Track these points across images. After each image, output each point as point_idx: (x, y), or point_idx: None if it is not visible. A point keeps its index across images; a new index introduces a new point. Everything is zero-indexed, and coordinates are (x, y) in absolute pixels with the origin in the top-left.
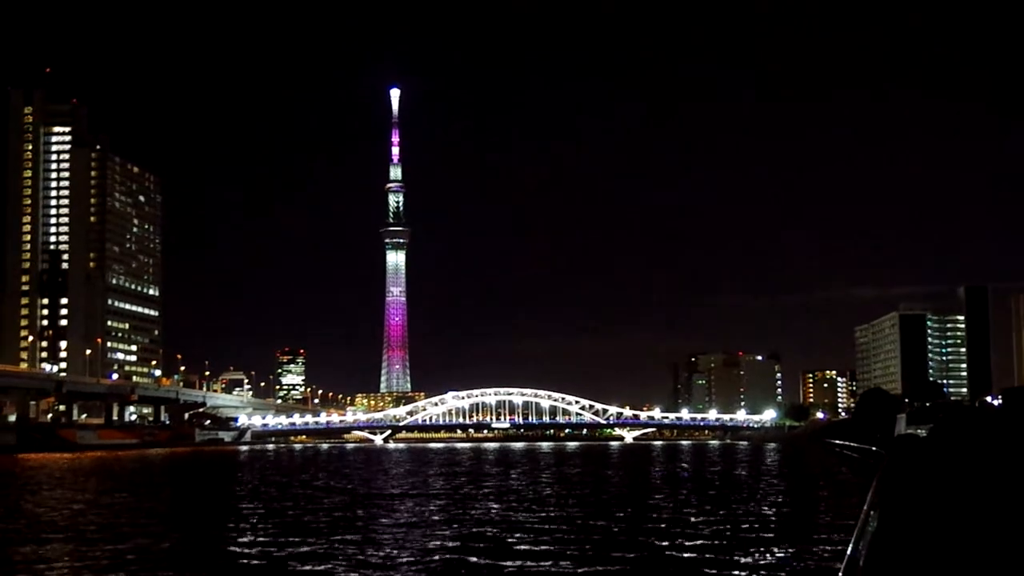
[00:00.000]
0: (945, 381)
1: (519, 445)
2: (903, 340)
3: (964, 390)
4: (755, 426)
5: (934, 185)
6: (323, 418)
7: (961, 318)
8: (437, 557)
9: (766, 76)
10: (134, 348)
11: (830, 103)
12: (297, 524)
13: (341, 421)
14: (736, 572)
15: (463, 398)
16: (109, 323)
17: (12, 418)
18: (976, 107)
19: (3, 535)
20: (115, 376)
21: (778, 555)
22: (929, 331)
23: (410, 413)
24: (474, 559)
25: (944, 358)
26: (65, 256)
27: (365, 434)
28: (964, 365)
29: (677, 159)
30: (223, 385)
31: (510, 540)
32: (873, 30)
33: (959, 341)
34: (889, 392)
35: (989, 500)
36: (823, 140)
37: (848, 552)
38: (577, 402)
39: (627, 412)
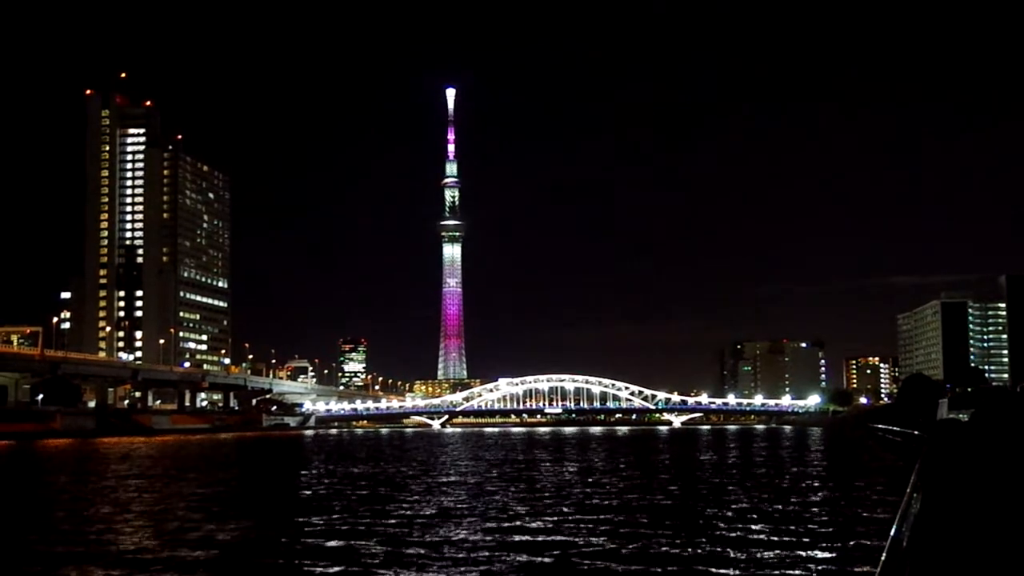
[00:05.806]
0: (986, 367)
1: (571, 430)
2: (945, 327)
3: (1006, 376)
4: (799, 411)
5: (976, 175)
6: (383, 404)
7: (1002, 305)
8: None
9: (801, 73)
10: (205, 338)
11: (872, 95)
12: (360, 500)
13: (400, 407)
14: (780, 552)
15: (517, 384)
16: (181, 314)
17: (92, 404)
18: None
19: (82, 512)
20: (187, 364)
21: (822, 536)
22: (971, 318)
23: (466, 399)
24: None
25: (985, 345)
26: (140, 251)
27: (423, 419)
28: (1006, 351)
29: (722, 150)
30: (288, 372)
31: (563, 515)
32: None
33: (1000, 328)
34: (931, 378)
35: None
36: (868, 133)
37: (891, 533)
38: (627, 388)
39: (675, 398)
